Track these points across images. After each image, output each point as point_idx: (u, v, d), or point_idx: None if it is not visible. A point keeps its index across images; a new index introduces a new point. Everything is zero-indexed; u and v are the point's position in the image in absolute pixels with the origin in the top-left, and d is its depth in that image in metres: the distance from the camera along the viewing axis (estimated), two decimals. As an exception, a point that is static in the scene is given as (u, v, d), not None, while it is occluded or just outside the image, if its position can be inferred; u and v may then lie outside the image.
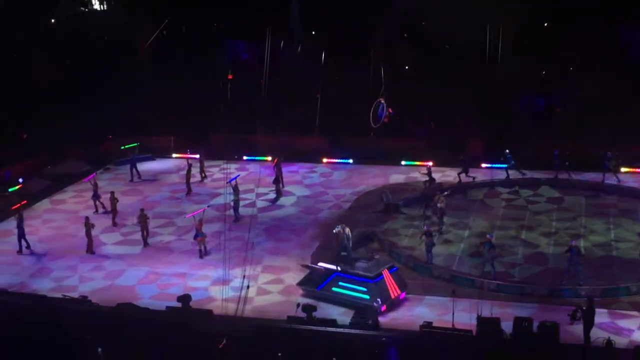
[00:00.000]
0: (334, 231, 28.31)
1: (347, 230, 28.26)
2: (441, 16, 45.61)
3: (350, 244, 28.19)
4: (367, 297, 25.92)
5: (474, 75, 44.98)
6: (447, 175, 39.35)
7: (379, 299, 25.51)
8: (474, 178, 38.40)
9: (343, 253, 27.78)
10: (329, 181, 40.58)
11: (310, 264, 28.80)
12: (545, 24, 49.58)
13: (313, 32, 51.33)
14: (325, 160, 43.52)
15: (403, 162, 42.36)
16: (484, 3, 44.79)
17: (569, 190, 37.26)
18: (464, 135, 42.39)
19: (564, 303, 25.75)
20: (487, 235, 29.13)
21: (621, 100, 41.92)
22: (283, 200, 37.50)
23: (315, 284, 27.29)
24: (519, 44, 45.67)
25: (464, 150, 40.37)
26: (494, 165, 39.75)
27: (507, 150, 38.58)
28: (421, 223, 32.34)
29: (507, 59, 46.24)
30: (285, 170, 40.18)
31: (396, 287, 26.64)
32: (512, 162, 38.44)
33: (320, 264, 27.81)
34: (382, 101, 35.68)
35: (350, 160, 43.23)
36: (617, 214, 34.17)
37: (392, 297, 26.30)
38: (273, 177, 38.08)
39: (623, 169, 38.72)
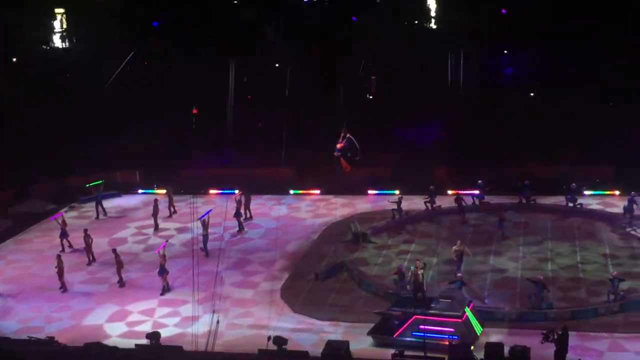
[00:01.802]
0: (410, 270, 27.52)
1: (422, 268, 27.11)
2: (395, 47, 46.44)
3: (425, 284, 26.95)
4: (456, 337, 24.48)
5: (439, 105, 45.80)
6: (415, 203, 39.47)
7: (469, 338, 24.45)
8: (439, 206, 38.61)
9: (418, 294, 26.45)
10: (297, 212, 40.55)
11: (382, 311, 26.73)
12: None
13: (277, 65, 51.56)
14: (292, 191, 43.52)
15: (370, 192, 42.50)
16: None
17: (535, 214, 37.66)
18: (429, 162, 42.66)
19: (533, 327, 25.76)
20: (538, 276, 28.24)
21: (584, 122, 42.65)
22: (251, 232, 37.40)
23: (391, 331, 25.38)
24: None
25: (431, 179, 40.53)
26: (463, 192, 40.01)
27: (527, 181, 38.74)
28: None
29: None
30: (253, 202, 40.11)
31: (479, 323, 25.64)
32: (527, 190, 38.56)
33: (394, 308, 26.21)
34: (348, 135, 36.13)
35: (318, 191, 43.26)
36: (582, 236, 34.59)
37: (478, 334, 25.21)
38: (234, 211, 37.84)
39: (586, 192, 39.29)
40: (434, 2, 54.32)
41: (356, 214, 39.26)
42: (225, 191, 42.78)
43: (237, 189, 40.28)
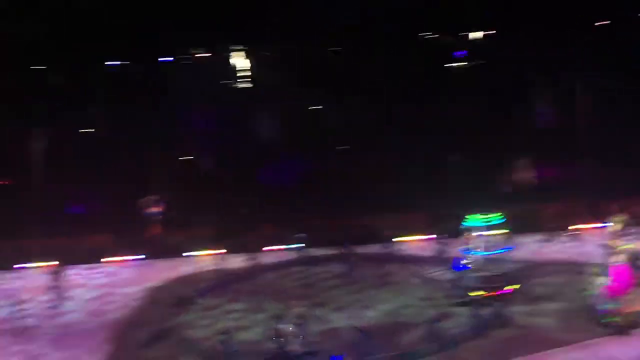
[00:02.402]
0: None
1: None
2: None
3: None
4: None
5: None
6: (239, 261, 39.24)
7: None
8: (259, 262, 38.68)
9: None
10: (117, 280, 39.05)
11: None
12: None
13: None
14: (110, 258, 41.91)
15: (188, 253, 41.75)
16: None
17: (355, 263, 38.56)
18: (254, 219, 42.75)
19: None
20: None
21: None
22: (68, 305, 35.52)
23: None
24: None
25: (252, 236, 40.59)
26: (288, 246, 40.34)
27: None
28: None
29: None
30: (67, 273, 38.18)
31: None
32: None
33: None
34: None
35: (139, 256, 41.95)
36: (400, 281, 35.77)
37: None
38: (52, 285, 35.93)
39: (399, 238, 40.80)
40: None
41: (178, 277, 38.44)
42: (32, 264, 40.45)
43: (55, 260, 38.28)
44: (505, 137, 44.87)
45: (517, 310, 30.96)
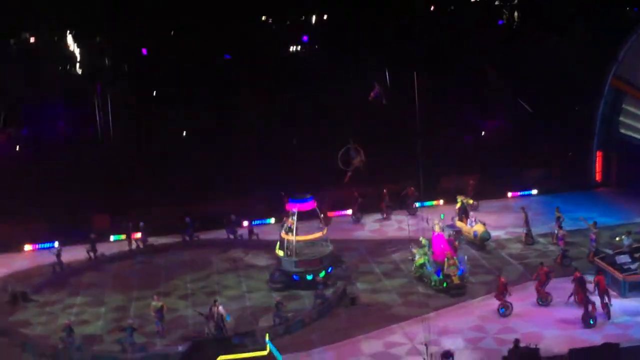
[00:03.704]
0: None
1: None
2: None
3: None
4: None
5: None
6: (77, 253, 37.76)
7: None
8: (102, 254, 37.50)
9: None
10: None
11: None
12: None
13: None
14: None
15: (26, 248, 39.88)
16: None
17: (199, 250, 38.31)
18: (88, 209, 41.32)
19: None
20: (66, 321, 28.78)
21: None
22: None
23: None
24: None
25: (91, 228, 39.26)
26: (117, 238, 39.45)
27: (188, 218, 38.93)
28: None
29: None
30: None
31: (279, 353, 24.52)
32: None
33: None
34: None
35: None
36: (245, 266, 35.92)
37: None
38: None
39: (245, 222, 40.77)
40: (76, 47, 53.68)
41: (13, 273, 36.55)
42: None
43: None
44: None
45: (361, 289, 32.05)
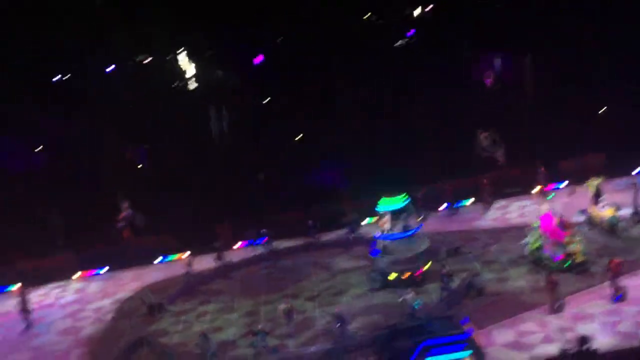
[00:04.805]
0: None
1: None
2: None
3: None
4: (468, 352, 23.64)
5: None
6: (206, 262, 39.08)
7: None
8: (230, 261, 38.52)
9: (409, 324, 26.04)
10: (85, 295, 38.54)
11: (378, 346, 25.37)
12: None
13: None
14: (76, 275, 41.34)
15: (159, 260, 41.53)
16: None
17: (322, 251, 38.70)
18: (211, 220, 42.56)
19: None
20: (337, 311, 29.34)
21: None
22: (38, 327, 34.98)
23: None
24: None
25: (217, 237, 40.46)
26: (250, 243, 40.25)
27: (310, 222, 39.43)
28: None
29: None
30: (35, 294, 37.79)
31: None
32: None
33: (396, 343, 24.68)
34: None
35: (104, 270, 41.47)
36: (370, 264, 35.98)
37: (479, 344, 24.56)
38: (19, 308, 35.33)
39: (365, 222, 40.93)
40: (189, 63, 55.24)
41: (148, 285, 38.14)
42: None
43: (18, 283, 37.67)
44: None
45: (488, 278, 31.59)
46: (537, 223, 32.13)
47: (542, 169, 39.72)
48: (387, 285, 32.19)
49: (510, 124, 42.95)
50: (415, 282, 31.56)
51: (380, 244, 32.74)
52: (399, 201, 32.88)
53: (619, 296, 27.53)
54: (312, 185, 43.22)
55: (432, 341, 23.74)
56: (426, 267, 32.41)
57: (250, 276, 37.27)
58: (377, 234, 33.24)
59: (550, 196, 33.02)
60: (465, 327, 24.43)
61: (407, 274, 31.90)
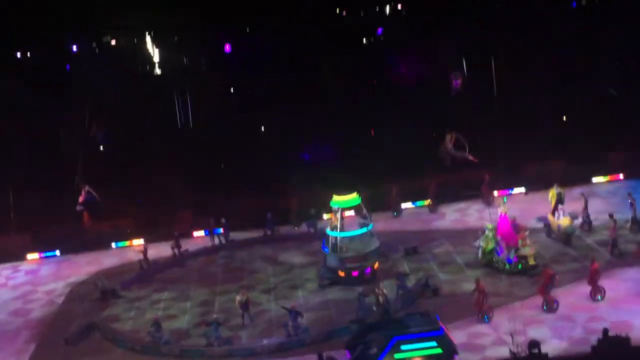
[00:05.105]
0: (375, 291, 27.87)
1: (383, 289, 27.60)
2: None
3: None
4: (440, 350, 23.25)
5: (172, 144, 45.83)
6: (162, 250, 38.77)
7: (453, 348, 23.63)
8: (186, 250, 38.23)
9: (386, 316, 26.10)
10: (37, 277, 38.01)
11: (351, 341, 24.74)
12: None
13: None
14: (29, 256, 40.69)
15: (114, 245, 41.04)
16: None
17: (280, 244, 38.61)
18: (170, 206, 42.21)
19: (292, 355, 26.76)
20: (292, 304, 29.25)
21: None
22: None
23: (371, 358, 23.42)
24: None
25: (174, 225, 40.14)
26: (206, 233, 39.95)
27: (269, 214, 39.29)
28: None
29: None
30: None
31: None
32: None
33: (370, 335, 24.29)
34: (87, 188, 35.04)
35: (57, 252, 40.88)
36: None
37: (455, 343, 24.19)
38: None
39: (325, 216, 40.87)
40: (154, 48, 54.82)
41: (102, 270, 37.69)
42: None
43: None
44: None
45: (443, 279, 31.79)
46: (490, 225, 32.41)
47: (487, 176, 40.00)
48: (335, 282, 32.29)
49: (477, 126, 43.23)
50: (365, 280, 31.67)
51: (330, 241, 32.76)
52: (351, 199, 32.91)
53: (549, 306, 27.75)
54: (274, 176, 43.04)
55: (405, 336, 23.60)
56: (375, 265, 32.56)
57: (207, 266, 37.06)
58: (328, 229, 33.26)
59: (504, 200, 33.24)
60: (440, 324, 24.45)
61: (356, 272, 32.03)
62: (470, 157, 38.60)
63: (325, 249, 33.02)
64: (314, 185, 39.10)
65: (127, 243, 40.68)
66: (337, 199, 32.84)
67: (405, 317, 25.32)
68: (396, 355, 23.24)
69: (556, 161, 41.23)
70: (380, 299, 28.16)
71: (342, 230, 32.61)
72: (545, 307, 27.81)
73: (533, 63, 46.56)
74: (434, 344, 23.45)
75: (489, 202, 38.96)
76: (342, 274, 32.30)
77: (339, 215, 32.69)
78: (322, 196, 36.09)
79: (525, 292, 29.42)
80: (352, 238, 32.87)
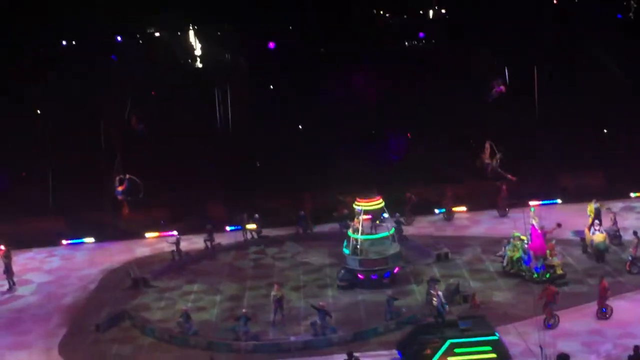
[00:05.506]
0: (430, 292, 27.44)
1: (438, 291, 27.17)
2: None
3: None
4: (494, 355, 23.39)
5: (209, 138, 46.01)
6: (195, 242, 39.08)
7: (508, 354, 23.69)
8: (219, 243, 38.43)
9: (439, 319, 25.71)
10: (72, 263, 38.50)
11: (403, 341, 25.03)
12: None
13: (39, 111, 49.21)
14: (64, 241, 41.27)
15: (147, 235, 41.43)
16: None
17: (311, 242, 38.63)
18: (204, 199, 42.49)
19: (319, 354, 26.74)
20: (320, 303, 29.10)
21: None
22: (22, 289, 34.96)
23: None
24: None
25: (208, 218, 40.39)
26: (237, 228, 40.11)
27: (302, 212, 39.53)
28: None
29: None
30: (22, 257, 37.71)
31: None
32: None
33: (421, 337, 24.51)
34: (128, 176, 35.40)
35: (92, 239, 41.39)
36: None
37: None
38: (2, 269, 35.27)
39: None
40: (197, 41, 55.04)
41: (134, 259, 38.08)
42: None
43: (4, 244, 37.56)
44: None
45: (474, 287, 31.56)
46: (516, 234, 32.23)
47: (503, 187, 39.67)
48: (354, 284, 32.27)
49: (516, 135, 42.88)
50: (384, 284, 31.69)
51: (351, 243, 32.72)
52: (373, 203, 32.93)
53: (550, 324, 27.32)
54: (309, 175, 43.10)
55: (460, 339, 23.51)
56: (395, 270, 32.50)
57: (238, 260, 37.22)
58: (349, 231, 33.27)
59: (532, 210, 32.99)
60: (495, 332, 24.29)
61: (375, 275, 32.04)
62: (509, 176, 38.61)
63: (346, 251, 32.99)
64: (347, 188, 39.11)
65: (158, 234, 41.02)
66: (360, 203, 32.88)
67: (458, 320, 25.04)
68: (450, 358, 23.19)
69: (595, 173, 40.69)
70: (435, 300, 27.48)
71: (363, 233, 32.62)
72: (546, 323, 27.21)
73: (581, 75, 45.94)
74: (488, 348, 23.36)
75: (504, 213, 38.79)
76: (361, 276, 32.27)
77: (361, 217, 32.66)
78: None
79: (559, 304, 29.08)
80: (373, 241, 32.84)
